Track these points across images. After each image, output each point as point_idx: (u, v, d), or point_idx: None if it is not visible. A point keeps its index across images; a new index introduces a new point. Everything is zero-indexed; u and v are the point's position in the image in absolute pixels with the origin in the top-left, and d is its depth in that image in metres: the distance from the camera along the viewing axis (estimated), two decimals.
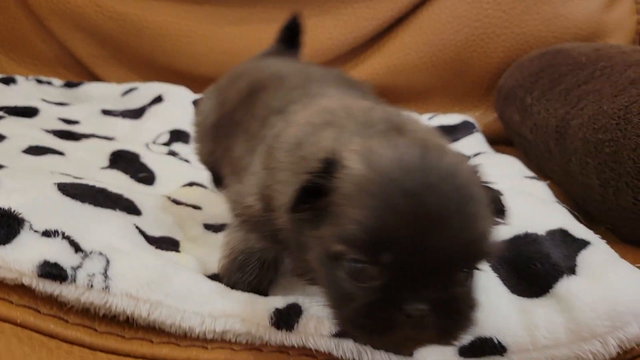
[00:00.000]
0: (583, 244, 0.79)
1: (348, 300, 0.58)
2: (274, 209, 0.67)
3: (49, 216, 0.74)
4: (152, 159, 1.26)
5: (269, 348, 0.70)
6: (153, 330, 0.69)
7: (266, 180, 0.70)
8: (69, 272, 0.67)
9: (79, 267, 0.68)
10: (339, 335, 0.68)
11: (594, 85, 1.15)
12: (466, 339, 0.67)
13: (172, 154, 1.36)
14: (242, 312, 0.70)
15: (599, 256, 0.76)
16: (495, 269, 0.75)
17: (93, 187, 0.88)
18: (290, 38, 1.17)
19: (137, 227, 0.83)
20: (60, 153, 1.18)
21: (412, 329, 0.56)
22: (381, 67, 1.67)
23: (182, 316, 0.68)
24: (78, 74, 1.74)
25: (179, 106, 1.53)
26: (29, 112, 1.43)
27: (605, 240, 0.84)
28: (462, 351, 0.67)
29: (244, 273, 0.75)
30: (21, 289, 0.69)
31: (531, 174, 1.10)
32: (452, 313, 0.57)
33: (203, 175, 1.18)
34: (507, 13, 1.64)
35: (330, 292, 0.61)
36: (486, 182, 0.62)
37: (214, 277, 0.77)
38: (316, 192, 0.59)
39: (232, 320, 0.69)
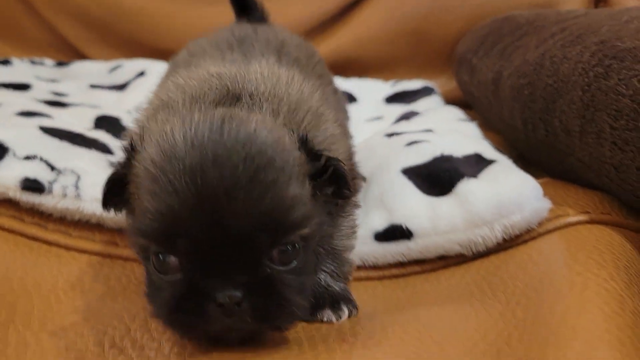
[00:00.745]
0: (491, 162, 0.91)
1: (159, 295, 0.55)
2: None
3: (30, 146, 0.89)
4: None
5: None
6: (119, 233, 0.83)
7: None
8: (46, 185, 0.82)
9: (54, 181, 0.82)
10: None
11: (525, 40, 1.27)
12: (381, 225, 0.79)
13: None
14: None
15: (499, 167, 0.89)
16: (411, 178, 0.87)
17: (71, 131, 1.02)
18: (243, 9, 1.21)
19: (109, 162, 0.97)
20: (49, 116, 1.31)
21: (227, 318, 0.52)
22: (348, 40, 1.80)
23: None
24: (68, 55, 1.87)
25: (159, 79, 1.65)
26: (22, 87, 1.56)
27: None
28: (377, 236, 0.80)
29: None
30: (8, 203, 0.83)
31: (465, 117, 1.22)
32: (267, 295, 0.53)
33: None
34: None
35: (147, 287, 0.57)
36: (316, 151, 0.59)
37: None
38: (123, 183, 0.56)
39: None
